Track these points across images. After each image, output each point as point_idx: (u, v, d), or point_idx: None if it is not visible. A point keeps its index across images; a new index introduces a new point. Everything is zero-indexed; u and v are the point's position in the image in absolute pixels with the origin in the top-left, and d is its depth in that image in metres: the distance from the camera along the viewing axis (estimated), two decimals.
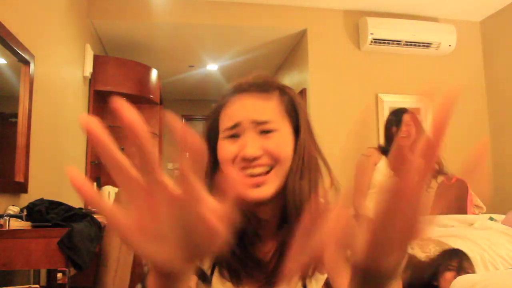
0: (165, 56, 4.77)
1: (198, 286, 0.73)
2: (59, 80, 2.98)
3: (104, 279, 1.87)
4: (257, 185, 0.73)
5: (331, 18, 4.15)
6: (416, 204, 0.34)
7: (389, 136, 2.46)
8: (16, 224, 1.67)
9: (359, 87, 4.06)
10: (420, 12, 4.18)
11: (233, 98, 0.78)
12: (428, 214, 0.35)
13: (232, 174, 0.68)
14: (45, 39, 2.67)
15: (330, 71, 4.07)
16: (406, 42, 4.04)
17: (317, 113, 3.99)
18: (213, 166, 0.78)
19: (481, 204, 3.48)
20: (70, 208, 1.85)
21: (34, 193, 2.28)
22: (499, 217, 3.00)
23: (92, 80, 3.80)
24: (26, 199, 2.14)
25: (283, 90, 0.80)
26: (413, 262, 2.04)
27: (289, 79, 4.71)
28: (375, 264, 0.36)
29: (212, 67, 5.18)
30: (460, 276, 1.81)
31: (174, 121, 0.33)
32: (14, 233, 1.62)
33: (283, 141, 0.75)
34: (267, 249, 0.76)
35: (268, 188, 0.73)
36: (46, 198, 1.93)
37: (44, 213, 1.74)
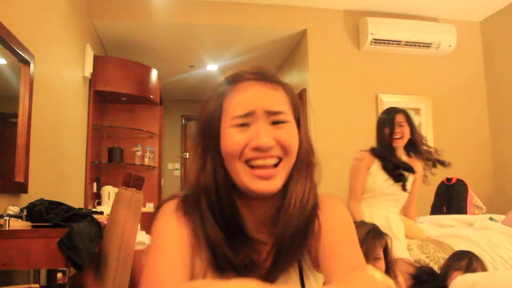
0: (165, 56, 4.77)
1: None
2: (59, 80, 2.98)
3: (104, 279, 1.87)
4: (267, 178, 0.71)
5: (331, 18, 4.15)
6: None
7: (382, 138, 2.37)
8: (16, 224, 1.67)
9: (359, 87, 4.06)
10: (420, 12, 4.18)
11: (241, 85, 0.75)
12: None
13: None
14: (45, 39, 2.67)
15: (330, 71, 4.07)
16: (406, 42, 4.04)
17: (317, 113, 3.98)
18: (214, 156, 0.74)
19: (481, 204, 3.48)
20: (70, 208, 1.85)
21: (34, 193, 2.28)
22: (499, 217, 3.01)
23: (92, 80, 3.80)
24: (26, 199, 2.14)
25: (285, 84, 0.78)
26: (429, 273, 2.02)
27: (289, 79, 4.71)
28: None
29: (212, 67, 5.18)
30: (460, 276, 1.81)
31: None
32: (14, 233, 1.62)
33: (293, 134, 0.74)
34: (262, 247, 0.75)
35: (277, 182, 0.72)
36: (46, 198, 1.93)
37: (44, 213, 1.73)
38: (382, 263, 1.73)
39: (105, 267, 1.88)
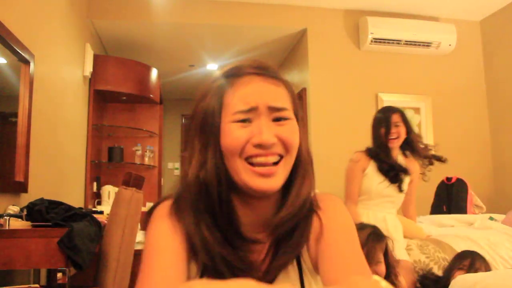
0: (165, 55, 4.77)
1: None
2: (59, 79, 2.98)
3: (104, 279, 1.87)
4: (268, 175, 0.69)
5: (331, 18, 4.15)
6: None
7: (378, 138, 2.35)
8: (16, 224, 1.67)
9: (359, 86, 4.06)
10: (420, 11, 4.18)
11: (242, 79, 0.72)
12: None
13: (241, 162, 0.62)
14: (45, 39, 2.66)
15: (330, 70, 4.07)
16: (406, 41, 4.04)
17: (317, 112, 3.99)
18: (215, 152, 0.71)
19: (481, 203, 3.48)
20: (70, 207, 1.85)
21: (34, 192, 2.28)
22: (499, 216, 3.01)
23: (92, 80, 3.80)
24: (26, 198, 2.14)
25: (286, 80, 0.77)
26: (434, 279, 2.01)
27: (289, 79, 4.63)
28: None
29: (213, 67, 5.18)
30: (460, 276, 1.81)
31: None
32: (14, 232, 1.62)
33: (295, 131, 0.72)
34: (260, 247, 0.73)
35: (277, 180, 0.70)
36: (46, 197, 1.93)
37: (44, 213, 1.73)
38: (382, 267, 1.73)
39: (105, 267, 1.88)
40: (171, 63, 5.00)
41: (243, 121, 0.69)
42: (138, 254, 2.06)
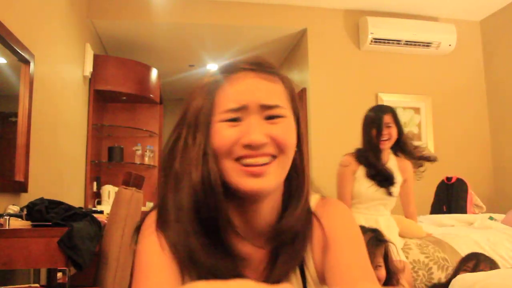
0: (165, 55, 4.77)
1: None
2: (59, 79, 2.98)
3: (104, 279, 1.87)
4: (257, 175, 0.64)
5: (331, 18, 4.15)
6: None
7: (369, 139, 2.31)
8: (16, 224, 1.67)
9: (359, 86, 4.06)
10: (420, 11, 4.18)
11: (234, 76, 0.68)
12: None
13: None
14: (45, 39, 2.66)
15: (330, 70, 4.07)
16: (406, 41, 4.04)
17: (317, 112, 3.99)
18: (206, 153, 0.67)
19: (481, 203, 3.48)
20: (70, 207, 1.85)
21: (34, 192, 2.28)
22: (499, 216, 3.01)
23: (92, 80, 3.80)
24: (26, 198, 2.14)
25: (283, 76, 0.72)
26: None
27: None
28: None
29: (212, 67, 5.18)
30: (460, 275, 1.80)
31: None
32: (14, 232, 1.62)
33: (289, 130, 0.68)
34: (259, 256, 0.70)
35: (269, 180, 0.65)
36: (46, 197, 1.93)
37: (44, 213, 1.73)
38: (382, 271, 1.72)
39: (105, 267, 1.88)
40: (171, 63, 4.99)
41: (233, 120, 0.65)
42: None
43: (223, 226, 0.66)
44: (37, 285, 2.02)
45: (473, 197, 3.48)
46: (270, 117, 0.66)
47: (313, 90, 4.03)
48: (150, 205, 4.02)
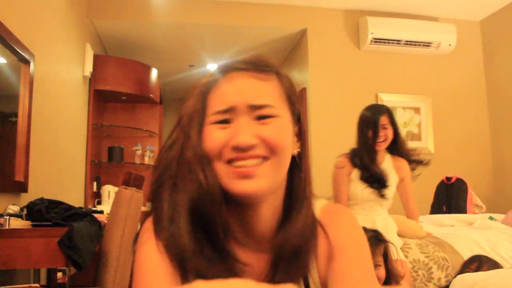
0: (165, 55, 4.77)
1: None
2: (59, 79, 2.98)
3: (104, 279, 1.87)
4: (247, 176, 0.62)
5: (331, 18, 4.15)
6: None
7: (364, 140, 2.29)
8: (16, 223, 1.67)
9: (359, 86, 4.06)
10: (420, 11, 4.18)
11: (225, 76, 0.67)
12: None
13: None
14: (45, 39, 2.67)
15: (330, 70, 4.07)
16: (406, 41, 4.04)
17: (317, 112, 3.99)
18: (201, 156, 0.65)
19: (481, 203, 3.48)
20: (70, 207, 1.85)
21: (34, 192, 2.28)
22: (499, 216, 3.01)
23: (92, 80, 3.80)
24: (26, 198, 2.14)
25: (280, 73, 0.70)
26: None
27: None
28: None
29: (212, 67, 5.17)
30: (460, 275, 1.81)
31: None
32: (14, 232, 1.62)
33: (282, 129, 0.65)
34: (258, 266, 0.67)
35: (261, 181, 0.62)
36: (46, 197, 1.93)
37: (44, 212, 1.73)
38: (382, 271, 1.72)
39: (105, 267, 1.88)
40: (171, 63, 5.00)
41: (222, 122, 0.64)
42: None
43: (221, 231, 0.64)
44: (37, 285, 2.02)
45: (473, 197, 3.48)
46: (260, 118, 0.64)
47: (313, 90, 4.03)
48: (150, 205, 4.03)
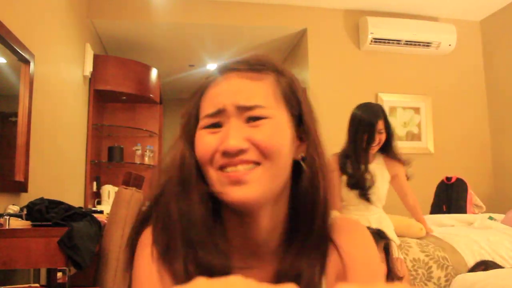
0: (165, 55, 4.77)
1: None
2: (59, 79, 2.98)
3: (104, 279, 1.87)
4: (238, 182, 0.58)
5: (331, 18, 4.15)
6: None
7: (358, 142, 2.25)
8: (16, 223, 1.67)
9: (359, 86, 4.06)
10: (420, 11, 4.18)
11: (218, 78, 0.63)
12: None
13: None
14: (45, 39, 2.67)
15: (330, 70, 4.07)
16: (406, 41, 4.04)
17: (316, 112, 3.98)
18: (196, 163, 0.62)
19: (480, 203, 3.49)
20: (70, 207, 1.85)
21: (34, 192, 2.28)
22: (499, 216, 3.01)
23: (92, 80, 3.80)
24: (26, 198, 2.14)
25: (280, 71, 0.65)
26: None
27: None
28: None
29: (212, 67, 5.17)
30: (460, 275, 1.81)
31: None
32: (14, 232, 1.62)
33: (275, 132, 0.59)
34: (263, 274, 0.62)
35: (254, 188, 0.58)
36: (46, 197, 1.93)
37: (44, 212, 1.73)
38: (383, 266, 1.72)
39: (105, 267, 1.88)
40: (171, 63, 5.00)
41: (213, 126, 0.60)
42: None
43: (221, 244, 0.60)
44: (37, 285, 2.02)
45: (473, 197, 3.48)
46: (251, 119, 0.59)
47: (313, 90, 4.03)
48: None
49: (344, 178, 2.29)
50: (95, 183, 3.95)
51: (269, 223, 0.62)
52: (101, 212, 2.54)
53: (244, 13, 4.01)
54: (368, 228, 1.89)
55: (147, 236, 0.62)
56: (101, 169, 4.18)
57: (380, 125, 2.26)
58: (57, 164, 2.90)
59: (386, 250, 1.75)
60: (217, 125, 0.60)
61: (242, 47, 4.50)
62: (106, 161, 4.16)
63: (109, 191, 3.80)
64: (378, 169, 2.31)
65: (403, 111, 4.10)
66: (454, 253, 2.33)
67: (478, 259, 2.31)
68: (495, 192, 4.13)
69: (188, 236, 0.59)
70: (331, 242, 0.63)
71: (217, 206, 0.62)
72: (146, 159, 4.34)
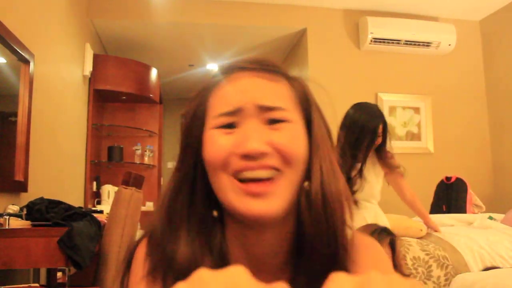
0: (165, 55, 4.77)
1: None
2: (59, 79, 2.98)
3: (104, 279, 1.87)
4: (258, 195, 0.52)
5: (331, 18, 4.15)
6: None
7: (357, 145, 2.20)
8: (16, 223, 1.67)
9: (359, 86, 4.06)
10: (420, 11, 4.18)
11: (230, 76, 0.58)
12: None
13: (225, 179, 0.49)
14: (45, 38, 2.66)
15: (330, 70, 4.07)
16: (406, 41, 4.04)
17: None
18: (194, 169, 0.57)
19: (480, 203, 3.49)
20: (70, 207, 1.85)
21: (34, 192, 2.28)
22: (499, 216, 3.01)
23: (92, 79, 3.80)
24: (26, 198, 2.14)
25: (291, 75, 0.61)
26: None
27: None
28: None
29: (212, 67, 5.18)
30: (459, 275, 1.81)
31: None
32: (14, 232, 1.62)
33: (296, 137, 0.55)
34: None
35: (276, 202, 0.52)
36: (46, 197, 1.93)
37: (44, 212, 1.74)
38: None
39: (105, 267, 1.88)
40: (170, 63, 5.00)
41: (227, 126, 0.54)
42: None
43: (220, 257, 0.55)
44: (37, 284, 2.03)
45: (473, 196, 3.48)
46: (272, 122, 0.54)
47: (312, 90, 4.02)
48: (149, 204, 4.03)
49: None
50: (95, 183, 3.95)
51: (275, 241, 0.57)
52: (101, 212, 2.54)
53: (244, 13, 4.01)
54: (375, 225, 1.88)
55: (142, 248, 0.58)
56: (101, 169, 4.18)
57: (380, 129, 2.27)
58: (57, 164, 2.90)
59: (392, 246, 1.75)
60: (231, 126, 0.54)
61: (242, 47, 4.50)
62: (106, 161, 4.16)
63: (109, 191, 3.80)
64: (371, 164, 2.30)
65: (402, 111, 4.10)
66: (454, 253, 2.33)
67: (478, 259, 2.31)
68: (495, 192, 4.13)
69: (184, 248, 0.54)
70: (346, 263, 0.56)
71: (212, 210, 0.57)
72: (146, 159, 4.34)
